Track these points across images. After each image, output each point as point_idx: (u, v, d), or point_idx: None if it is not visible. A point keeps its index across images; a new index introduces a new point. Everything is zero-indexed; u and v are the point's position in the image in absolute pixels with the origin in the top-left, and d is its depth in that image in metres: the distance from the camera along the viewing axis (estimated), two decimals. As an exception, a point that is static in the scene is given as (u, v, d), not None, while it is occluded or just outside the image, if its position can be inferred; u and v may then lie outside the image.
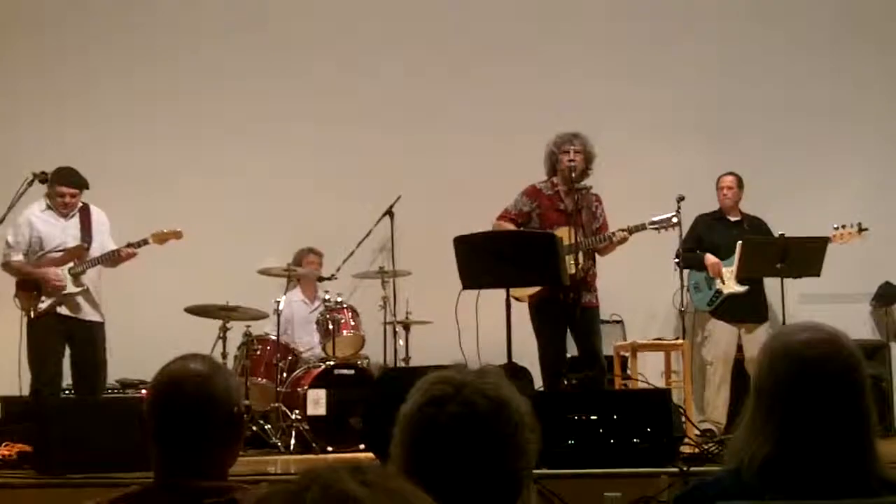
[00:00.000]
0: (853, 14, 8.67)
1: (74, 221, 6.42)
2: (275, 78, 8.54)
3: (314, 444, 6.64)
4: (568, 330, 6.24)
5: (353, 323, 7.28)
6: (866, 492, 1.88)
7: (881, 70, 8.62)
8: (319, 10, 8.72)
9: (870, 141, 8.52)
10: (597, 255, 6.35)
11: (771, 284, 7.23)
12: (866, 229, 6.96)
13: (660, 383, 7.13)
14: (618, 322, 8.11)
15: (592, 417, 4.70)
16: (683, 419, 5.37)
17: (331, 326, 7.16)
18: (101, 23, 8.55)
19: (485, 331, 5.72)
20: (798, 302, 7.38)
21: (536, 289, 6.10)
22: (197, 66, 8.56)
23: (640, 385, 6.45)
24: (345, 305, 7.30)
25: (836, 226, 6.95)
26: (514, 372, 5.69)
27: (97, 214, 6.53)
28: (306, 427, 6.73)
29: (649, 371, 7.01)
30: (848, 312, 7.68)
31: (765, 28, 8.66)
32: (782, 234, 6.85)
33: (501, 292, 5.55)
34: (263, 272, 7.32)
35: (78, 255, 6.36)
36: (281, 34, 8.60)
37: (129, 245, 6.38)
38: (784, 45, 8.64)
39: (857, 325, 8.03)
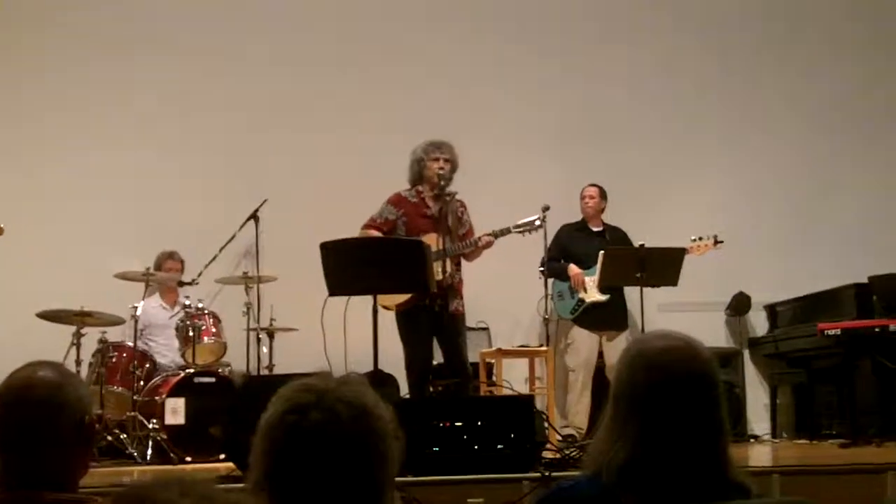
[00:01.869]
0: (717, 35, 8.95)
1: None
2: (135, 74, 8.32)
3: (172, 454, 6.48)
4: (434, 337, 6.26)
5: (214, 329, 7.12)
6: (719, 495, 1.92)
7: (743, 90, 8.92)
8: (185, 3, 8.55)
9: (726, 157, 8.81)
10: (462, 262, 6.39)
11: (631, 293, 7.39)
12: (721, 241, 7.20)
13: (524, 389, 7.21)
14: (484, 329, 8.18)
15: (457, 424, 4.72)
16: (546, 425, 5.43)
17: (191, 333, 6.99)
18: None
19: (351, 338, 5.69)
20: (656, 310, 7.58)
21: (404, 297, 6.09)
22: (58, 63, 8.28)
23: (505, 391, 6.51)
24: (206, 311, 7.14)
25: (693, 238, 7.17)
26: (380, 379, 5.68)
27: None
28: (164, 437, 6.56)
29: (514, 377, 7.07)
30: (703, 321, 7.92)
31: (630, 44, 8.87)
32: (642, 245, 7.01)
33: (368, 300, 5.53)
34: (121, 276, 7.10)
35: None
36: (142, 29, 8.39)
37: None
38: (648, 61, 8.86)
39: (712, 333, 8.28)
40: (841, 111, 8.91)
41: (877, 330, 6.73)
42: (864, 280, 7.25)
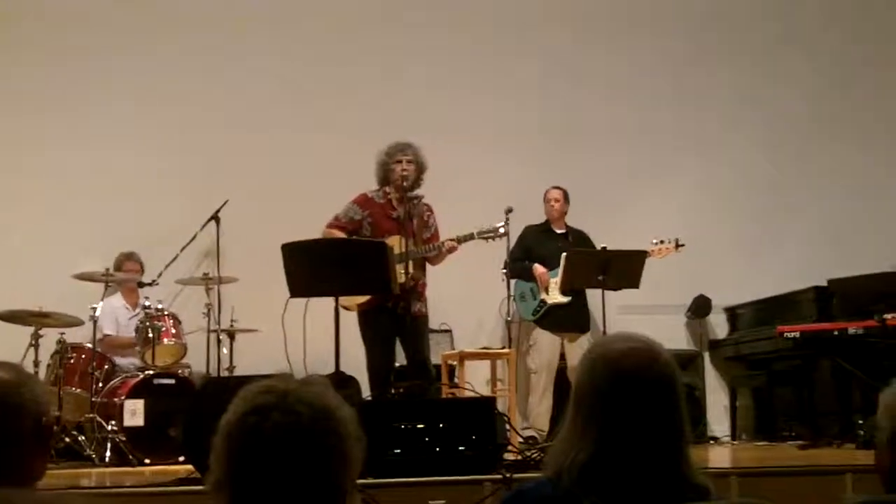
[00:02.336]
0: (692, 41, 9.01)
1: None
2: (93, 75, 8.24)
3: (131, 457, 6.43)
4: (397, 339, 6.25)
5: (174, 331, 7.07)
6: (679, 496, 1.93)
7: (707, 94, 8.99)
8: (141, 5, 8.48)
9: (687, 162, 8.86)
10: (427, 265, 6.39)
11: (592, 295, 7.42)
12: (683, 245, 7.25)
13: (486, 391, 7.22)
14: (446, 331, 8.18)
15: (419, 426, 4.70)
16: (507, 427, 5.44)
17: (150, 334, 6.94)
18: None
19: (312, 339, 5.67)
20: (618, 313, 7.61)
21: (365, 298, 6.08)
22: (13, 61, 8.18)
23: (467, 393, 6.51)
24: (166, 312, 7.09)
25: (654, 241, 7.21)
26: (342, 381, 5.65)
27: None
28: (123, 438, 6.50)
29: (476, 379, 7.09)
30: (664, 323, 7.97)
31: (605, 48, 8.91)
32: (604, 247, 7.04)
33: (329, 301, 5.50)
34: (80, 277, 7.03)
35: None
36: (106, 28, 8.30)
37: None
38: (624, 67, 8.92)
39: (673, 335, 8.34)
40: (802, 116, 9.01)
41: (836, 333, 6.78)
42: (824, 283, 7.31)
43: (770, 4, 9.21)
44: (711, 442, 8.10)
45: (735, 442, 8.16)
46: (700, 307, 8.62)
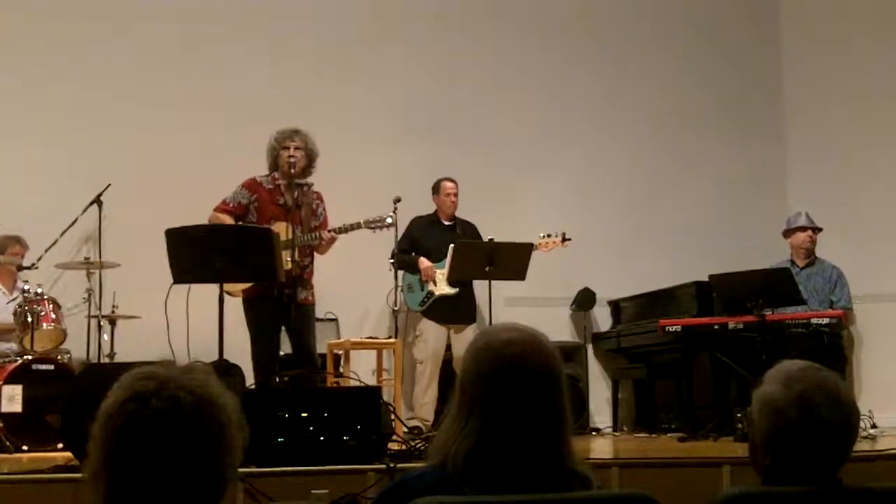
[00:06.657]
0: (560, 37, 9.12)
1: None
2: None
3: (8, 443, 6.28)
4: (282, 327, 6.20)
5: (53, 315, 6.90)
6: (561, 485, 1.96)
7: (587, 93, 9.12)
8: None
9: (573, 157, 8.99)
10: (315, 253, 6.35)
11: (479, 287, 7.48)
12: (569, 239, 7.36)
13: (372, 381, 7.23)
14: (332, 320, 8.15)
15: (303, 415, 4.68)
16: (392, 417, 5.45)
17: (29, 319, 6.76)
18: None
19: (196, 326, 5.59)
20: (504, 305, 7.70)
21: (250, 284, 6.02)
22: None
23: (352, 383, 6.50)
24: (45, 297, 6.92)
25: (542, 235, 7.31)
26: (225, 369, 5.60)
27: None
28: (0, 425, 6.33)
29: (362, 369, 7.08)
30: (549, 315, 8.08)
31: (475, 40, 8.95)
32: (491, 239, 7.10)
33: (213, 287, 5.44)
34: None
35: None
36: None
37: None
38: (498, 60, 8.98)
39: (558, 327, 8.46)
40: (677, 115, 9.21)
41: (716, 327, 6.89)
42: (705, 278, 7.47)
43: (637, 4, 9.37)
44: (593, 433, 8.22)
45: (616, 433, 8.30)
46: (584, 300, 8.74)
